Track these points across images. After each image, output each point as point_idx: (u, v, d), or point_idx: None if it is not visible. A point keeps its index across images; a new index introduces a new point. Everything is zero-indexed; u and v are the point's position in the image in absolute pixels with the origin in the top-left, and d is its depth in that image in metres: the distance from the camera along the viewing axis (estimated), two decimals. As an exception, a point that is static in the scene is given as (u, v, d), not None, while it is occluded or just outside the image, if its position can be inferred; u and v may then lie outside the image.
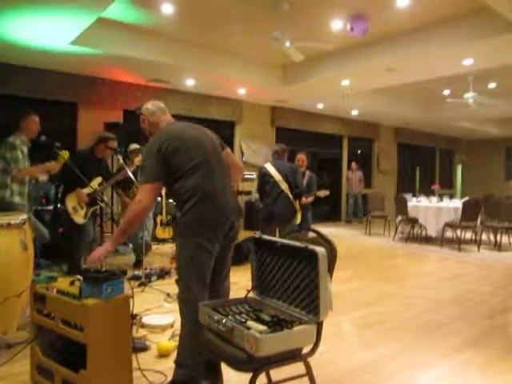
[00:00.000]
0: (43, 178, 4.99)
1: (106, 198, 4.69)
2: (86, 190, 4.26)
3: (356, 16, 5.32)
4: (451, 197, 10.39)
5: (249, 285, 2.16)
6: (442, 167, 15.81)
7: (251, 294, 2.12)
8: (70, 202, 4.31)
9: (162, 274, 4.75)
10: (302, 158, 5.50)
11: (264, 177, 4.57)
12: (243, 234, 5.51)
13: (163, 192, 7.01)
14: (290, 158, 5.58)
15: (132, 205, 2.18)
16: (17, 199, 3.74)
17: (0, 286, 2.61)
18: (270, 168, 4.54)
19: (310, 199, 5.18)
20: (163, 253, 6.20)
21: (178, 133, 2.30)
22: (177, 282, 2.20)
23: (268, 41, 5.44)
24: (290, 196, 4.45)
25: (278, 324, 1.76)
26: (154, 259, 5.71)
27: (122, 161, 4.44)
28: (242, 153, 9.35)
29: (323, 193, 5.17)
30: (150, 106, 2.48)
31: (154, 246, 6.82)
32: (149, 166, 2.18)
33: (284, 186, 4.43)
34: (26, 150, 3.81)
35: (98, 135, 4.59)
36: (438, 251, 7.06)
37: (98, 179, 4.41)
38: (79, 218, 4.32)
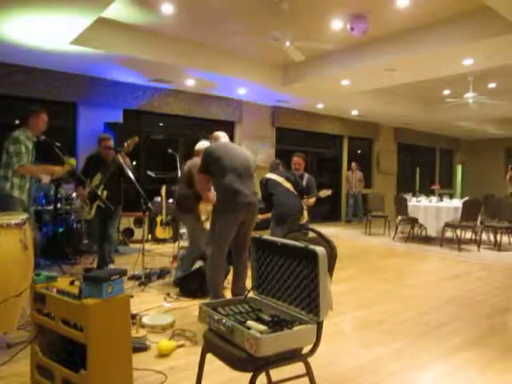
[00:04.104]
0: (46, 180, 5.00)
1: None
2: (87, 189, 4.56)
3: (356, 16, 5.31)
4: (451, 197, 10.38)
5: (249, 285, 2.16)
6: (441, 167, 15.80)
7: (251, 294, 2.12)
8: (78, 201, 4.89)
9: (162, 274, 4.75)
10: (298, 161, 5.49)
11: (268, 182, 4.80)
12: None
13: (163, 192, 7.04)
14: (289, 160, 5.66)
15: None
16: (16, 193, 3.75)
17: (0, 285, 2.62)
18: (271, 175, 4.84)
19: (312, 200, 5.19)
20: (163, 253, 6.20)
21: (225, 149, 3.49)
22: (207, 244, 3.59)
23: (268, 41, 5.44)
24: (296, 193, 4.69)
25: (278, 324, 1.76)
26: (154, 259, 5.71)
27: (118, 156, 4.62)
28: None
29: (324, 193, 5.17)
30: (215, 137, 3.81)
31: (154, 246, 6.83)
32: (200, 163, 3.47)
33: (288, 185, 4.68)
34: (30, 145, 3.83)
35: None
36: (438, 251, 7.06)
37: (98, 176, 4.67)
38: (86, 214, 4.73)
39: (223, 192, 3.34)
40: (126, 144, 4.61)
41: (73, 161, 3.90)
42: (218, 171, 3.37)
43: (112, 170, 4.69)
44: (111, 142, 4.92)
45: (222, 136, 3.77)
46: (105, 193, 4.65)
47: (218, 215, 3.38)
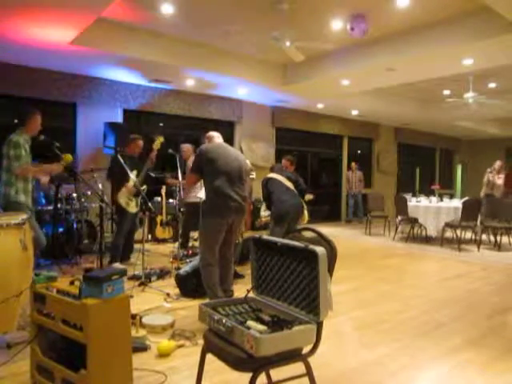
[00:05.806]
0: (45, 180, 5.01)
1: (106, 198, 4.87)
2: (131, 183, 4.87)
3: (356, 16, 5.32)
4: (451, 197, 10.37)
5: (249, 284, 2.16)
6: (441, 167, 15.80)
7: (251, 294, 2.12)
8: (123, 198, 4.97)
9: (162, 274, 4.75)
10: (285, 164, 5.52)
11: (268, 181, 4.87)
12: (245, 234, 5.53)
13: (163, 192, 7.04)
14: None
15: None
16: (22, 198, 3.74)
17: (0, 285, 2.61)
18: (272, 175, 4.92)
19: None
20: (163, 253, 6.19)
21: (219, 150, 3.50)
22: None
23: (268, 41, 5.45)
24: (296, 192, 4.78)
25: (277, 324, 1.76)
26: (154, 259, 5.71)
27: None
28: (242, 153, 9.35)
29: (307, 197, 5.27)
30: (209, 137, 3.76)
31: (154, 246, 6.83)
32: (194, 163, 3.53)
33: (288, 183, 4.77)
34: (28, 147, 3.83)
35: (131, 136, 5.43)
36: (438, 251, 7.05)
37: (134, 172, 4.94)
38: (133, 208, 5.04)
39: (213, 195, 3.40)
40: (154, 146, 5.07)
41: (68, 156, 3.81)
42: (210, 173, 3.42)
43: (149, 165, 5.14)
44: (141, 143, 5.37)
45: (217, 136, 3.77)
46: (145, 187, 5.00)
47: (206, 217, 3.44)
